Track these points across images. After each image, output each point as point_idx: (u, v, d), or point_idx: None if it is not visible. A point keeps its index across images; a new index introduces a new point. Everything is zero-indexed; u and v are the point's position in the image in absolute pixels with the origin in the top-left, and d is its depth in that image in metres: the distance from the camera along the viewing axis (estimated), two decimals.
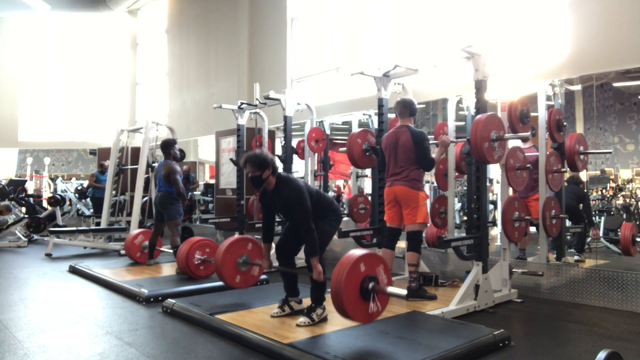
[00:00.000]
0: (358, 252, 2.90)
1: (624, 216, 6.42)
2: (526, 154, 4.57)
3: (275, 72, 8.80)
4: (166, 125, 8.27)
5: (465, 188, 7.24)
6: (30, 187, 14.19)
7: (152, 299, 4.19)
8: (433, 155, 4.11)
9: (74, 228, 7.53)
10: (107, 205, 8.15)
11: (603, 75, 5.27)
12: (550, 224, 4.59)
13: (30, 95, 14.76)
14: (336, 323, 3.31)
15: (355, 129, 6.34)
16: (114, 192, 8.52)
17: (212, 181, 10.68)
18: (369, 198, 6.05)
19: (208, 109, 9.93)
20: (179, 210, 5.60)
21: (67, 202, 10.82)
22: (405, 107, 4.19)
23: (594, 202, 6.72)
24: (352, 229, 4.89)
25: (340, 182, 12.15)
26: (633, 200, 6.89)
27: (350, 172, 7.30)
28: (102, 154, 10.22)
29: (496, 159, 3.86)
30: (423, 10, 6.41)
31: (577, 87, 5.52)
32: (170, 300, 3.89)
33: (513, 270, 4.27)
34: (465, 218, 7.26)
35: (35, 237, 8.77)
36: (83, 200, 11.07)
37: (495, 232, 6.12)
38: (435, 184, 5.36)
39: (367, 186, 7.28)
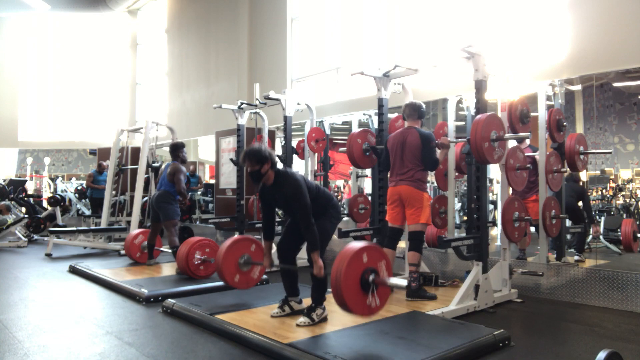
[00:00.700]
0: (360, 243, 2.89)
1: (624, 216, 6.43)
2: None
3: (275, 72, 8.80)
4: (166, 125, 8.28)
5: (465, 188, 7.25)
6: (30, 187, 14.19)
7: (152, 299, 4.19)
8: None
9: (74, 228, 7.53)
10: (107, 205, 8.15)
11: (603, 75, 5.27)
12: (550, 224, 4.59)
13: (30, 95, 14.76)
14: (336, 323, 3.31)
15: (355, 129, 6.34)
16: (114, 192, 8.52)
17: (212, 181, 10.68)
18: (369, 198, 6.05)
19: (208, 109, 9.94)
20: (176, 210, 5.56)
21: (67, 202, 10.81)
22: (415, 110, 4.24)
23: (594, 202, 6.72)
24: (352, 229, 4.90)
25: (340, 182, 12.16)
26: (633, 200, 6.89)
27: (350, 172, 7.30)
28: (102, 154, 10.22)
29: (496, 159, 3.86)
30: (423, 10, 6.41)
31: (577, 87, 5.52)
32: (170, 300, 3.88)
33: (513, 270, 4.27)
34: (465, 218, 7.26)
35: (35, 237, 8.77)
36: (83, 201, 11.07)
37: (495, 232, 6.12)
38: (436, 184, 5.36)
39: (367, 186, 7.28)
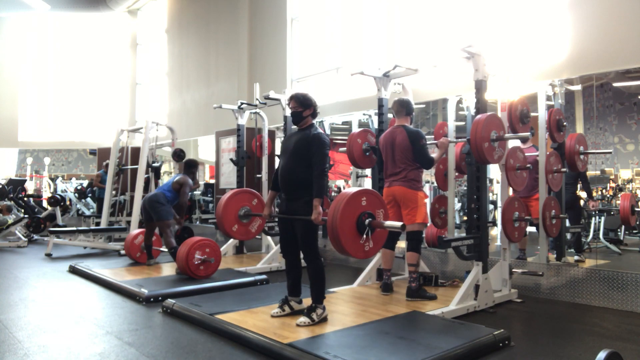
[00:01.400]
0: (361, 187, 2.89)
1: None
2: (526, 154, 4.58)
3: (275, 72, 8.80)
4: (166, 125, 8.28)
5: (465, 188, 7.24)
6: (30, 187, 14.20)
7: (152, 299, 4.19)
8: (433, 155, 4.11)
9: (74, 228, 7.53)
10: (107, 205, 8.15)
11: (603, 75, 5.27)
12: (550, 224, 4.59)
13: (30, 95, 14.77)
14: (336, 323, 3.31)
15: (355, 129, 6.34)
16: (114, 192, 8.52)
17: (212, 181, 10.68)
18: None
19: (208, 109, 9.93)
20: (169, 211, 5.50)
21: (67, 202, 10.81)
22: (402, 107, 4.19)
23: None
24: None
25: (340, 182, 12.16)
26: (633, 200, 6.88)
27: (350, 172, 7.30)
28: (102, 154, 10.22)
29: (496, 159, 3.86)
30: (423, 10, 6.41)
31: (577, 87, 5.52)
32: (170, 300, 3.88)
33: (513, 270, 4.27)
34: (465, 218, 7.26)
35: (35, 237, 8.77)
36: (83, 200, 11.07)
37: (495, 232, 6.12)
38: (435, 184, 5.36)
39: (367, 186, 7.28)
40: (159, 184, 8.19)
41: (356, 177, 6.85)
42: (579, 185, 5.50)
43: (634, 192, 6.92)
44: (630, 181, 6.96)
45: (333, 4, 8.13)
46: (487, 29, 5.46)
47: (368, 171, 6.28)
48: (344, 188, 11.99)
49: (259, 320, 3.39)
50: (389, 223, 2.84)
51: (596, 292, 4.15)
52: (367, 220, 2.81)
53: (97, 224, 8.68)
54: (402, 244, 4.67)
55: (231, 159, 6.99)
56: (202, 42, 11.14)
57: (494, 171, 6.13)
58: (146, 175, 7.68)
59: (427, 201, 4.28)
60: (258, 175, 7.16)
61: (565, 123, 4.81)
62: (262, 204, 3.87)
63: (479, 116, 3.77)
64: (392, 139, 4.15)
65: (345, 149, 4.97)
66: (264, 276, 4.98)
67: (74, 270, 5.67)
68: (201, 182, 11.85)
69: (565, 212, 5.00)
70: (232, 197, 3.81)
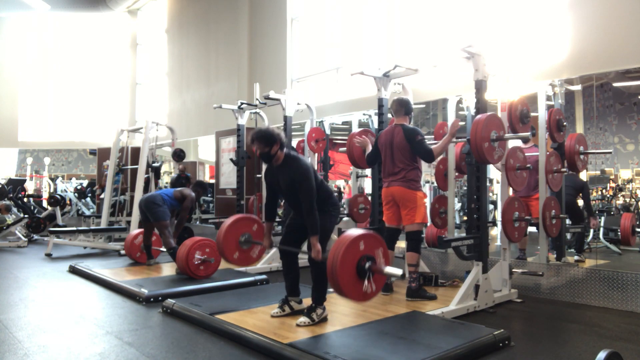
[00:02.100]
0: (358, 230, 2.88)
1: None
2: (528, 154, 4.58)
3: (275, 72, 8.80)
4: (166, 125, 8.28)
5: (465, 188, 7.25)
6: (30, 187, 14.19)
7: (152, 299, 4.19)
8: (437, 144, 4.04)
9: (74, 228, 7.53)
10: (107, 205, 8.15)
11: (603, 75, 5.27)
12: (550, 224, 4.59)
13: (30, 95, 14.75)
14: (336, 323, 3.31)
15: (355, 129, 6.35)
16: (114, 193, 8.53)
17: (212, 181, 10.67)
18: (369, 198, 6.05)
19: (208, 109, 9.93)
20: (166, 212, 5.49)
21: (67, 202, 10.82)
22: (401, 106, 4.18)
23: (594, 202, 6.72)
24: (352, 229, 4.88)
25: (340, 182, 12.16)
26: (633, 200, 6.89)
27: (350, 172, 7.30)
28: (102, 154, 10.22)
29: (496, 159, 3.86)
30: (423, 10, 6.41)
31: (577, 87, 5.52)
32: (170, 300, 3.88)
33: (513, 270, 4.27)
34: (465, 218, 7.26)
35: (35, 237, 8.77)
36: (83, 200, 11.06)
37: (495, 232, 6.13)
38: (435, 184, 5.36)
39: (367, 186, 7.28)
40: (159, 184, 8.20)
41: (356, 177, 6.85)
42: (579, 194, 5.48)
43: (634, 192, 6.93)
44: (630, 181, 6.96)
45: (333, 4, 8.13)
46: (487, 29, 5.46)
47: (368, 171, 6.28)
48: (344, 188, 12.00)
49: (259, 320, 3.39)
50: (388, 269, 2.85)
51: (596, 292, 4.15)
52: (367, 265, 2.82)
53: (97, 224, 8.68)
54: (402, 244, 4.67)
55: (231, 159, 6.99)
56: (202, 42, 11.13)
57: (494, 171, 6.14)
58: (146, 175, 7.67)
59: (427, 201, 4.27)
60: (258, 175, 7.16)
61: (565, 123, 4.81)
62: (262, 229, 3.85)
63: (479, 116, 3.77)
64: (391, 138, 4.15)
65: (345, 149, 4.96)
66: (264, 276, 4.98)
67: (74, 270, 5.67)
68: None
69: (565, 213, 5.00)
70: (233, 224, 3.80)
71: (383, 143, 4.23)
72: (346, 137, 5.10)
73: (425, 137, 4.13)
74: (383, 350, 2.79)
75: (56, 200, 8.89)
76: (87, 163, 19.48)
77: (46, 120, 14.81)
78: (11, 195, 9.37)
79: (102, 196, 8.88)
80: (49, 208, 9.03)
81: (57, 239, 7.15)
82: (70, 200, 11.09)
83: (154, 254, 5.88)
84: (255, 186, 7.71)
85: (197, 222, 9.92)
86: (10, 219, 8.64)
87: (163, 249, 6.05)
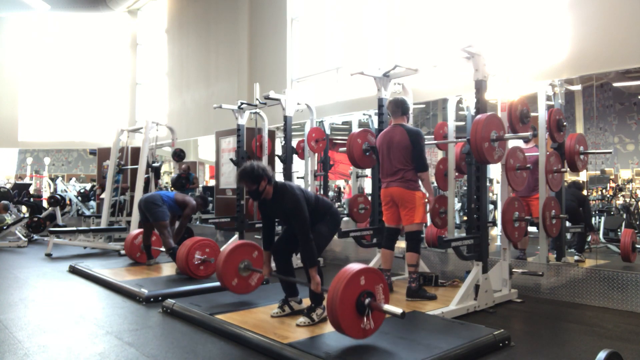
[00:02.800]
0: (359, 265, 2.87)
1: (624, 216, 6.42)
2: (528, 154, 4.57)
3: (275, 72, 8.80)
4: (166, 125, 8.28)
5: (465, 188, 7.24)
6: (30, 187, 14.18)
7: (152, 299, 4.19)
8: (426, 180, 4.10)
9: (74, 228, 7.53)
10: (107, 205, 8.15)
11: (603, 75, 5.27)
12: (550, 224, 4.59)
13: (30, 95, 14.76)
14: None
15: (355, 129, 6.34)
16: (114, 193, 8.53)
17: (212, 182, 10.67)
18: (369, 198, 6.06)
19: (208, 109, 9.94)
20: (165, 212, 5.49)
21: (67, 202, 10.82)
22: (398, 106, 4.17)
23: (593, 202, 6.73)
24: (352, 229, 4.89)
25: (340, 182, 12.16)
26: (633, 200, 6.88)
27: (350, 172, 7.31)
28: (102, 154, 10.22)
29: (496, 159, 3.86)
30: (423, 10, 6.41)
31: (577, 87, 5.52)
32: (170, 300, 3.88)
33: (513, 270, 4.27)
34: (465, 218, 7.26)
35: (35, 237, 8.77)
36: (86, 203, 11.08)
37: (495, 232, 6.13)
38: (435, 184, 5.36)
39: (367, 186, 7.28)
40: (159, 183, 8.20)
41: (356, 177, 6.85)
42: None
43: (634, 192, 6.93)
44: (630, 181, 6.96)
45: (333, 3, 8.13)
46: (487, 29, 5.46)
47: (368, 171, 6.28)
48: (344, 188, 12.00)
49: (259, 320, 3.39)
50: (387, 307, 2.83)
51: (596, 292, 4.15)
52: (366, 301, 2.81)
53: (97, 224, 8.68)
54: (402, 244, 4.67)
55: (231, 159, 6.98)
56: (202, 42, 11.14)
57: (494, 171, 6.14)
58: (146, 176, 7.67)
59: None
60: None
61: (565, 123, 4.81)
62: (262, 256, 3.83)
63: (479, 116, 3.77)
64: (390, 138, 4.13)
65: (345, 149, 4.96)
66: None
67: (74, 270, 5.67)
68: (201, 184, 11.86)
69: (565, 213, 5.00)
70: (233, 251, 3.80)
71: (380, 144, 4.23)
72: (346, 137, 5.10)
73: (425, 137, 4.13)
74: (383, 350, 2.79)
75: (56, 200, 8.89)
76: (87, 163, 19.48)
77: (46, 120, 14.82)
78: (17, 199, 9.43)
79: (102, 196, 8.89)
80: (49, 208, 9.03)
81: (57, 239, 7.16)
82: (70, 200, 11.09)
83: (154, 254, 5.88)
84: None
85: (197, 222, 9.92)
86: (9, 218, 8.64)
87: (163, 249, 6.06)
